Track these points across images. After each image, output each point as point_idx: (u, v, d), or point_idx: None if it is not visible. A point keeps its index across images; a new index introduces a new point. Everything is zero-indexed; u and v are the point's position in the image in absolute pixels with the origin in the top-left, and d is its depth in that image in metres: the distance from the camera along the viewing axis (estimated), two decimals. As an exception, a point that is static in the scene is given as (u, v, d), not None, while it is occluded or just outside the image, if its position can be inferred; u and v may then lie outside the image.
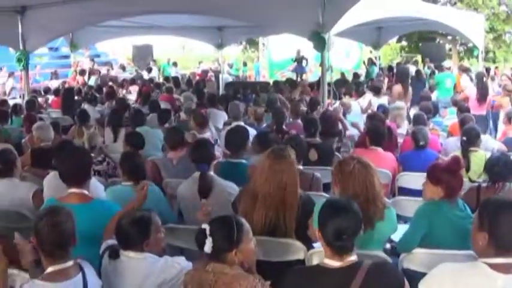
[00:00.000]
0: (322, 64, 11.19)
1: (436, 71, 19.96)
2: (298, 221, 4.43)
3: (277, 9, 10.39)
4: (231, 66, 25.12)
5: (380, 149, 6.86)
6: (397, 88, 13.33)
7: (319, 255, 4.15)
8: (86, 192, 4.52)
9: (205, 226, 3.36)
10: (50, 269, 3.29)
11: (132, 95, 16.54)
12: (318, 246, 4.35)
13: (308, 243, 4.44)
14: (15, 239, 3.58)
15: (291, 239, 4.42)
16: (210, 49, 24.52)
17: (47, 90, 17.64)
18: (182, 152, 6.58)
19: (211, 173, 5.38)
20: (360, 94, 13.57)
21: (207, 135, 8.20)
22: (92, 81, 20.85)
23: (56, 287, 3.16)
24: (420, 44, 29.57)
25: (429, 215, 4.42)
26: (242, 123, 8.59)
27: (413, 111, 10.65)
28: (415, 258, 4.36)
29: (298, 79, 20.97)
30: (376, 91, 12.78)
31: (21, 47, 13.01)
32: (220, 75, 22.16)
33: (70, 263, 3.34)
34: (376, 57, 24.17)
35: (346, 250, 3.26)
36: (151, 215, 3.86)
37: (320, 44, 10.39)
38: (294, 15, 10.45)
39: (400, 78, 14.69)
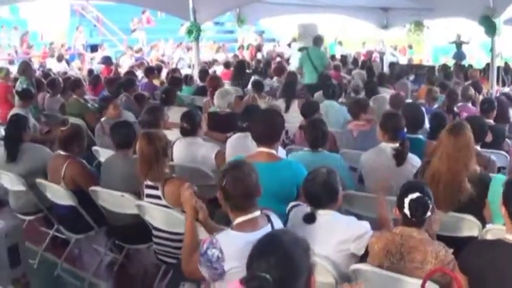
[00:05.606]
0: (492, 50, 10.95)
1: None
2: (473, 198, 4.48)
3: (447, -10, 10.25)
4: (394, 48, 24.83)
5: (554, 139, 6.71)
6: None
7: (493, 232, 4.19)
8: (274, 152, 4.67)
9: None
10: (238, 220, 3.34)
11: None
12: (490, 226, 4.40)
13: (482, 222, 4.45)
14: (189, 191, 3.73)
15: (468, 215, 4.45)
16: (371, 31, 24.24)
17: (214, 62, 18.33)
18: (365, 127, 6.80)
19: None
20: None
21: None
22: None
23: (247, 237, 3.11)
24: None
25: None
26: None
27: None
28: None
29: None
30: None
31: (191, 19, 13.61)
32: (384, 57, 21.97)
33: (257, 212, 3.38)
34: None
35: None
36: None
37: (491, 28, 10.17)
38: (465, -2, 10.30)
39: None
